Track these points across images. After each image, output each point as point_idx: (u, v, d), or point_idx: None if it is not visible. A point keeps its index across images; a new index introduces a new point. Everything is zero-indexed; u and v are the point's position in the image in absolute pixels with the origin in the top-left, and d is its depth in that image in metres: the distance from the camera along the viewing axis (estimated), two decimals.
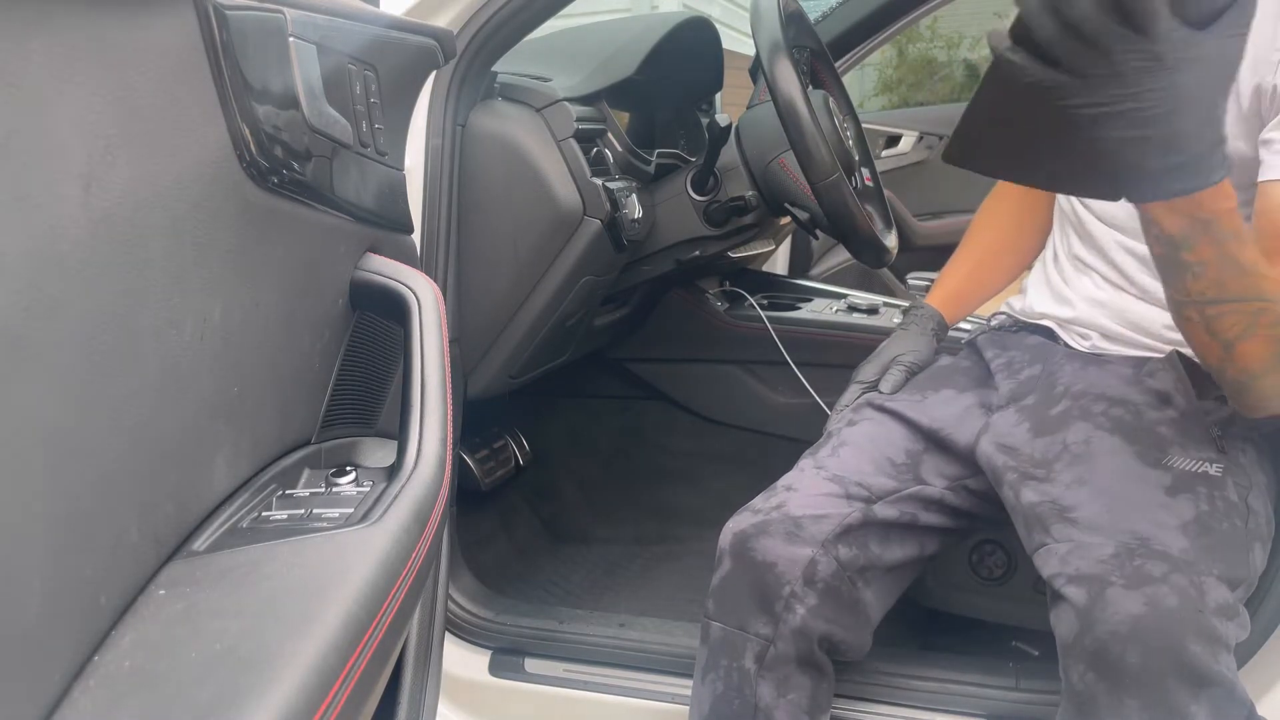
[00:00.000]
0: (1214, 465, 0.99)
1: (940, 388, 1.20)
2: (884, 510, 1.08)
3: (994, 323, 1.31)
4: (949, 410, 1.16)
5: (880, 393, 1.23)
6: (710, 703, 1.07)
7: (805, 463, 1.14)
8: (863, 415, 1.19)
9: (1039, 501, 0.99)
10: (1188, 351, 1.08)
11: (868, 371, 1.27)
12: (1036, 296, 1.24)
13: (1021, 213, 1.34)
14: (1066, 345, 1.18)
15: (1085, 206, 1.17)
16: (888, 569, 1.09)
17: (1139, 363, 1.11)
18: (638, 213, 1.44)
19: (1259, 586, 1.05)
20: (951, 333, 1.36)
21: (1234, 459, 1.01)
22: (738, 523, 1.08)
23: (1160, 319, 1.10)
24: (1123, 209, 1.11)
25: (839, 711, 1.18)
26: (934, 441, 1.14)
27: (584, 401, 1.92)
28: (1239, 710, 0.85)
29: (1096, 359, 1.14)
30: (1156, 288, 1.10)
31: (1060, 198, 1.23)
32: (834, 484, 1.09)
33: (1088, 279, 1.16)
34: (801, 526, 1.05)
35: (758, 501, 1.10)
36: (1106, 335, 1.15)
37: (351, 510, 0.66)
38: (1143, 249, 1.09)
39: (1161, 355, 1.09)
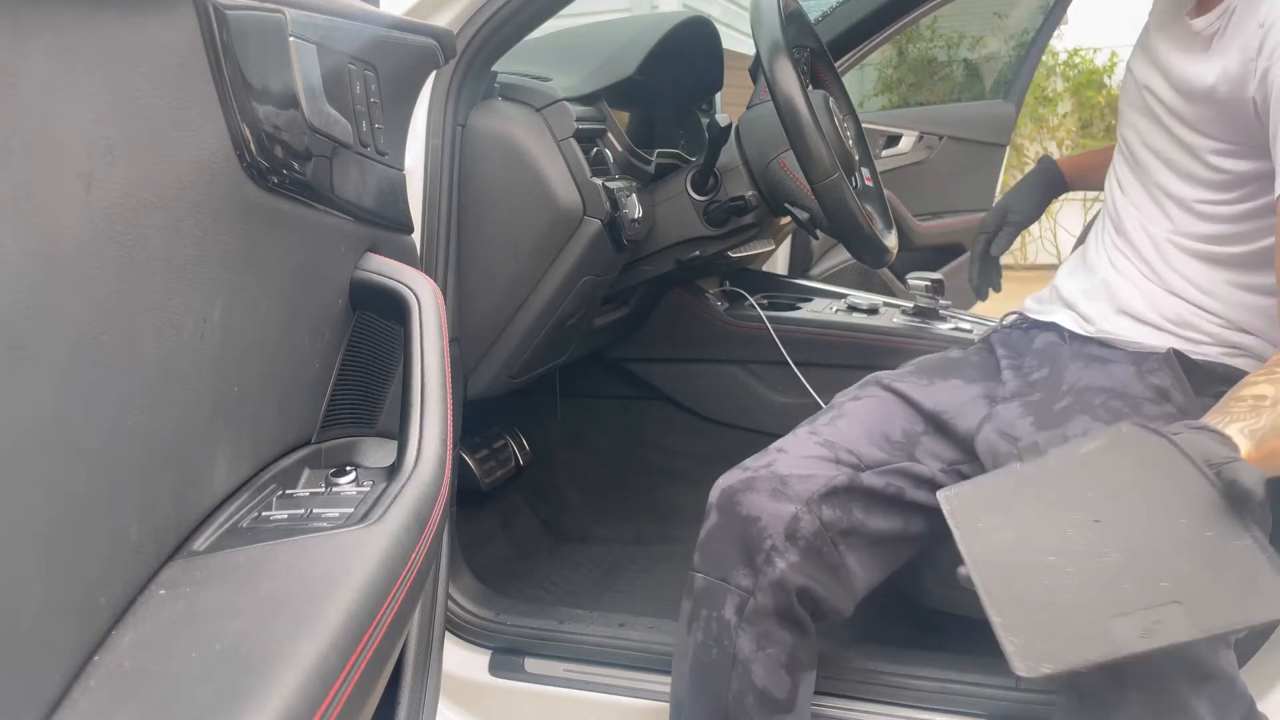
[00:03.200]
0: None
1: (949, 377, 1.22)
2: (871, 479, 1.10)
3: (1006, 322, 1.33)
4: (954, 397, 1.17)
5: (991, 256, 1.42)
6: (692, 651, 1.09)
7: (802, 429, 1.17)
8: (868, 392, 1.21)
9: None
10: (1185, 349, 1.09)
11: (988, 222, 1.44)
12: (1064, 277, 1.26)
13: None
14: (1072, 334, 1.19)
15: (1121, 198, 1.19)
16: (872, 540, 1.11)
17: (1140, 359, 1.11)
18: (638, 213, 1.44)
19: None
20: (961, 333, 1.38)
21: None
22: (727, 479, 1.11)
23: (1178, 307, 1.12)
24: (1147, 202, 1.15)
25: (840, 712, 1.18)
26: (935, 424, 1.16)
27: (584, 401, 1.92)
28: (1239, 704, 0.85)
29: (1100, 360, 1.14)
30: (1174, 276, 1.12)
31: (1107, 194, 1.26)
32: (824, 449, 1.11)
33: (1122, 260, 1.18)
34: (787, 484, 1.08)
35: (749, 460, 1.13)
36: (1118, 308, 1.16)
37: (351, 510, 0.66)
38: (1170, 239, 1.12)
39: (1160, 350, 1.10)
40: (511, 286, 1.35)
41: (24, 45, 0.46)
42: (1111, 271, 1.18)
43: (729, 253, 1.61)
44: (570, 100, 1.38)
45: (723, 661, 1.06)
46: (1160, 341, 1.12)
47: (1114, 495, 0.82)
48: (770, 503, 1.07)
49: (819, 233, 1.49)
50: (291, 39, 0.68)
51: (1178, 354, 1.09)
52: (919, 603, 1.34)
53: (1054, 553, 0.78)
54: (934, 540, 1.29)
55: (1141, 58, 1.18)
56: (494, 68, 1.33)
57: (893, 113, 4.50)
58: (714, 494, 1.11)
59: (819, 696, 1.19)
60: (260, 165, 0.64)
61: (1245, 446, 0.82)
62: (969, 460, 1.14)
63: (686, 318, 1.81)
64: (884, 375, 1.23)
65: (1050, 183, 1.47)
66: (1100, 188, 1.40)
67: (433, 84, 1.23)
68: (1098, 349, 1.15)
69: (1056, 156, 1.52)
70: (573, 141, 1.34)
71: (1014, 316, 1.32)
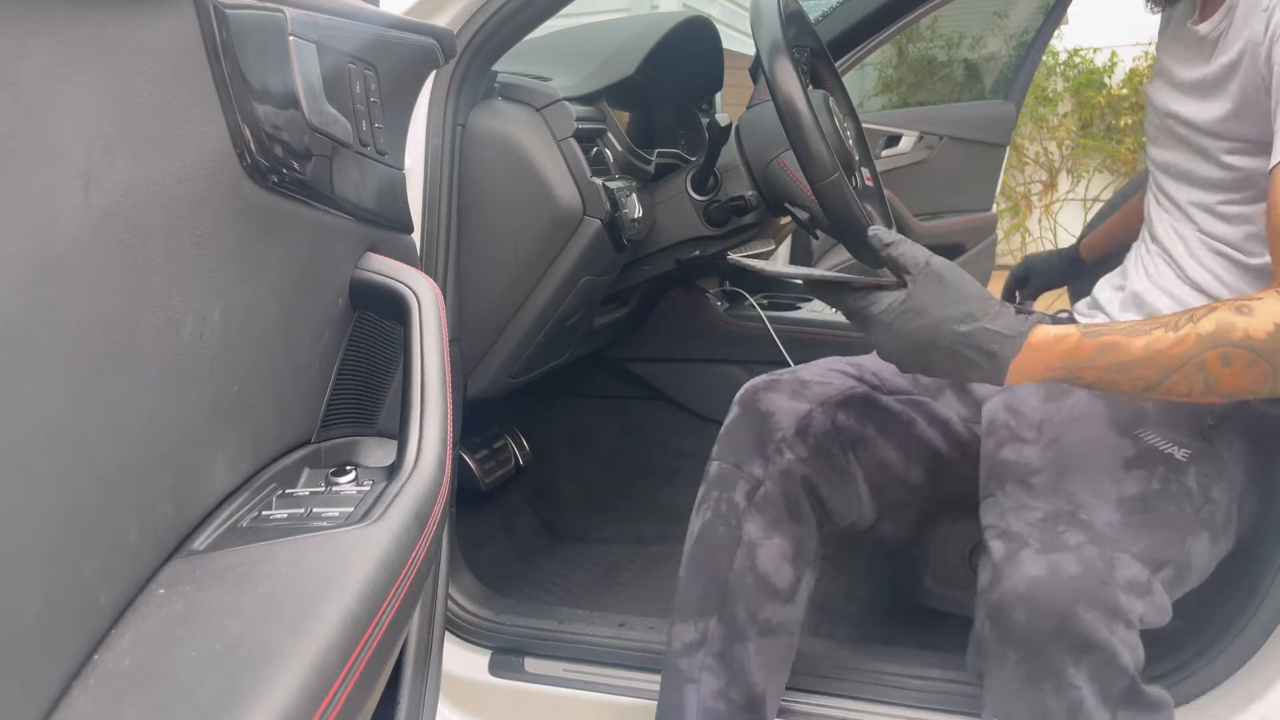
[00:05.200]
0: (1181, 450, 1.02)
1: None
2: (889, 401, 1.16)
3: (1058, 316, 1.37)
4: None
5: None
6: (699, 528, 1.13)
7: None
8: None
9: (1013, 460, 1.04)
10: None
11: (1012, 275, 1.62)
12: (1101, 287, 1.28)
13: None
14: None
15: (1155, 208, 1.21)
16: (880, 462, 1.15)
17: None
18: (638, 212, 1.44)
19: (1258, 586, 1.05)
20: None
21: (1215, 450, 1.03)
22: (753, 380, 1.19)
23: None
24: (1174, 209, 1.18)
25: (840, 712, 1.18)
26: (961, 384, 1.21)
27: (584, 401, 1.92)
28: (1120, 679, 0.87)
29: None
30: (1203, 274, 1.13)
31: (1145, 209, 1.27)
32: (851, 367, 1.20)
33: (1154, 266, 1.20)
34: (807, 387, 1.16)
35: (779, 372, 1.21)
36: (1148, 315, 1.16)
37: (351, 510, 0.66)
38: (1200, 238, 1.13)
39: None
40: (511, 286, 1.35)
41: (24, 45, 0.46)
42: (1145, 281, 1.19)
43: (729, 252, 1.61)
44: (570, 100, 1.38)
45: (729, 539, 1.11)
46: None
47: None
48: (788, 401, 1.14)
49: (819, 233, 1.49)
50: (291, 38, 0.68)
51: None
52: (919, 603, 1.34)
53: None
54: (932, 539, 1.29)
55: (1156, 84, 1.20)
56: (494, 68, 1.33)
57: (893, 113, 4.49)
58: (739, 393, 1.18)
59: (819, 696, 1.20)
60: (260, 165, 0.64)
61: (1063, 331, 0.86)
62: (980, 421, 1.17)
63: (686, 318, 1.81)
64: None
65: (1072, 257, 1.64)
66: (1121, 249, 1.49)
67: (433, 84, 1.23)
68: None
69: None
70: (573, 141, 1.34)
71: (1065, 315, 1.35)
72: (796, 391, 1.15)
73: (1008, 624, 0.89)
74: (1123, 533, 0.93)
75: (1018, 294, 1.70)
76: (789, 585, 1.10)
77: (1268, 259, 1.07)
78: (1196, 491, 0.99)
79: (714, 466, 1.15)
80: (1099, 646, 0.86)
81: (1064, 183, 6.27)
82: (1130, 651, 0.87)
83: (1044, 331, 0.86)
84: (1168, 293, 1.14)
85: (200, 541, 0.60)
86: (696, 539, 1.14)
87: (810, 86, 1.35)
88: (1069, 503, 0.96)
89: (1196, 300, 1.11)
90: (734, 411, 1.17)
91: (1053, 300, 1.77)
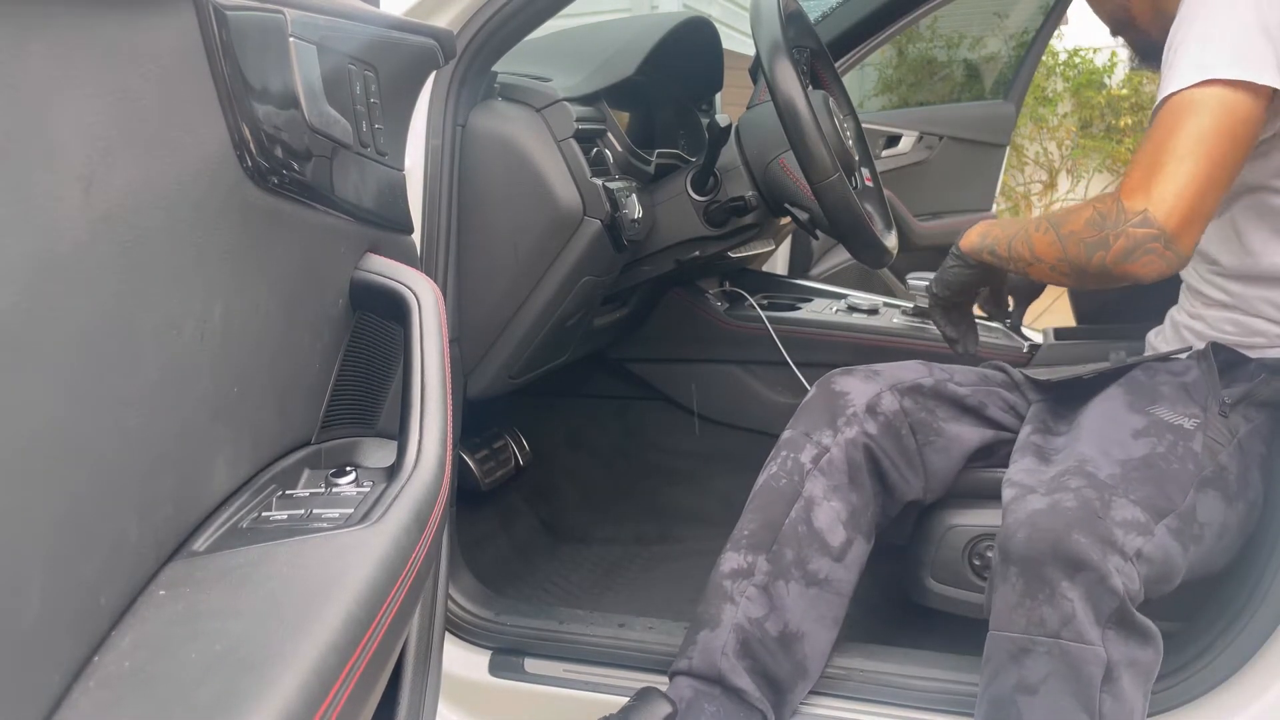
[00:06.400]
0: (1190, 420, 1.08)
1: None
2: (957, 388, 1.25)
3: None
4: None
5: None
6: (763, 480, 1.21)
7: None
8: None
9: (1038, 445, 1.14)
10: (1225, 339, 1.18)
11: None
12: (1152, 335, 1.35)
13: None
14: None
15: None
16: (945, 445, 1.22)
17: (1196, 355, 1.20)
18: (638, 213, 1.44)
19: (1259, 587, 1.05)
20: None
21: (1230, 423, 1.09)
22: (833, 370, 1.29)
23: (1230, 320, 1.19)
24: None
25: (839, 712, 1.18)
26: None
27: (584, 401, 1.92)
28: (1110, 599, 0.93)
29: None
30: (1221, 295, 1.20)
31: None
32: (923, 365, 1.29)
33: (1187, 302, 1.28)
34: (880, 374, 1.26)
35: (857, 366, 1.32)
36: (1180, 337, 1.25)
37: (351, 511, 0.66)
38: (1208, 267, 1.21)
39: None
40: (511, 287, 1.35)
41: (23, 46, 0.45)
42: (1180, 315, 1.28)
43: (729, 253, 1.61)
44: (570, 100, 1.38)
45: (789, 491, 1.18)
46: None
47: None
48: (861, 384, 1.24)
49: (819, 233, 1.49)
50: (291, 39, 0.68)
51: (1215, 345, 1.16)
52: (919, 603, 1.34)
53: None
54: (932, 539, 1.29)
55: None
56: (494, 68, 1.33)
57: (893, 113, 4.49)
58: (818, 381, 1.29)
59: (819, 697, 1.20)
60: (260, 166, 0.64)
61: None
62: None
63: (686, 318, 1.81)
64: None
65: None
66: None
67: (433, 84, 1.23)
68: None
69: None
70: (573, 142, 1.34)
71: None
72: (869, 376, 1.24)
73: (1010, 547, 0.98)
74: (1122, 482, 1.00)
75: (1010, 303, 1.69)
76: (840, 545, 1.17)
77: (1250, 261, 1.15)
78: (1202, 454, 1.05)
79: (786, 433, 1.23)
80: (1091, 567, 0.93)
81: (1064, 183, 6.28)
82: (1124, 579, 0.94)
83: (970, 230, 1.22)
84: (1195, 315, 1.22)
85: (200, 543, 0.60)
86: (759, 488, 1.20)
87: (810, 86, 1.35)
88: (1076, 460, 1.04)
89: (1220, 316, 1.18)
90: (811, 392, 1.26)
91: (1043, 309, 1.73)
